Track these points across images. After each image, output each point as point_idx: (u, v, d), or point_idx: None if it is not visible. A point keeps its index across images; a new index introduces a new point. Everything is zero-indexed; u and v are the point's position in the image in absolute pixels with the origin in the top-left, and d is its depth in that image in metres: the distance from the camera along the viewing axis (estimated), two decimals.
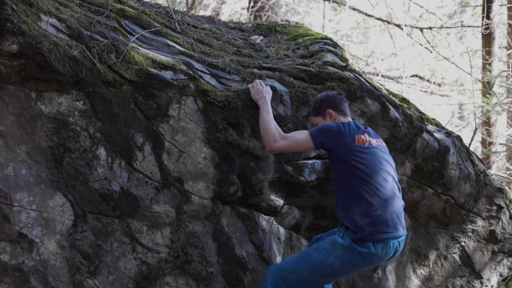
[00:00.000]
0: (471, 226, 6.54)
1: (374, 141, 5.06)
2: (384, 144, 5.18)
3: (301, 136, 5.05)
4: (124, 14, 5.47)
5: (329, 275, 4.95)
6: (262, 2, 11.81)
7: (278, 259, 5.44)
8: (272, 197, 5.41)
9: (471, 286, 6.63)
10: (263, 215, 5.44)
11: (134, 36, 5.29)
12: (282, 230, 5.55)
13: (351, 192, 4.89)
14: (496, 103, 9.56)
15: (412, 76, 11.59)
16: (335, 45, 6.19)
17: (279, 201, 5.45)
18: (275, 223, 5.51)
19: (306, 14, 15.30)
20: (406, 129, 5.85)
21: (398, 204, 4.97)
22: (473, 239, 6.58)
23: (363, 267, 5.00)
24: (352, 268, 4.93)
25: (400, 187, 5.09)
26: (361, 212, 4.82)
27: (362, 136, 5.00)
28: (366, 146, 4.98)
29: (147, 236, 5.04)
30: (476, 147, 12.08)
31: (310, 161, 5.57)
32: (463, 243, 6.54)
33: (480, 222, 6.55)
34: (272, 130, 5.06)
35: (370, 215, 4.81)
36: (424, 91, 11.03)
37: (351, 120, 5.23)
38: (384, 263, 5.99)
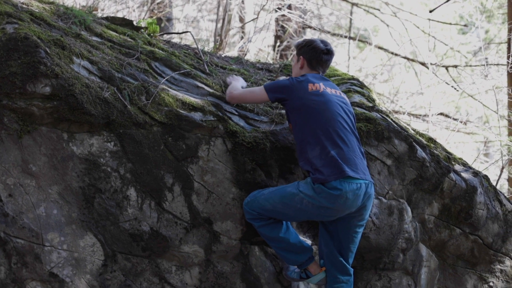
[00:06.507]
0: (499, 266, 6.49)
1: (329, 90, 5.14)
2: (343, 96, 5.24)
3: (257, 89, 5.26)
4: (154, 56, 5.56)
5: (299, 211, 4.93)
6: (288, 42, 11.87)
7: None
8: (300, 237, 5.41)
9: None
10: None
11: (164, 77, 5.37)
12: None
13: (306, 136, 4.97)
14: None
15: (438, 114, 11.57)
16: (362, 85, 6.21)
17: (307, 242, 5.45)
18: None
19: None
20: (433, 169, 5.85)
21: (357, 150, 5.02)
22: (501, 279, 6.52)
23: (334, 211, 4.90)
24: (321, 211, 4.90)
25: (359, 137, 5.14)
26: (317, 154, 4.90)
27: (316, 84, 5.11)
28: (320, 92, 5.08)
29: (176, 276, 5.07)
30: (502, 184, 11.99)
31: None
32: (491, 284, 6.48)
33: (508, 262, 6.50)
34: (234, 85, 5.43)
35: (325, 157, 4.87)
36: (450, 129, 11.00)
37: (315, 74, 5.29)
38: None
